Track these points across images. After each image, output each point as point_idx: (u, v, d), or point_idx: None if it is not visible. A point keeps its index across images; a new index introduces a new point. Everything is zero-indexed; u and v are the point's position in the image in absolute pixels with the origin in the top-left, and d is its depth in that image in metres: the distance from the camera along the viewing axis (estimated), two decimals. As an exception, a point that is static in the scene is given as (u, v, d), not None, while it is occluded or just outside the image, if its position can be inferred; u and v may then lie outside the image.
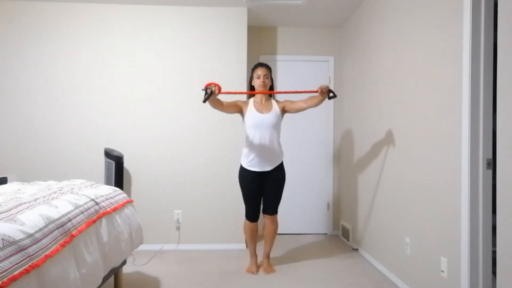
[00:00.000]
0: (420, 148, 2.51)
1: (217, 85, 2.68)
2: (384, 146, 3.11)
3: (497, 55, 1.75)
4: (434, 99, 2.35)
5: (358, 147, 3.73)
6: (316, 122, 4.37)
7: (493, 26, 2.01)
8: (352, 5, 3.71)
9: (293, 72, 4.36)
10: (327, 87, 2.79)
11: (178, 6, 3.78)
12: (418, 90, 2.54)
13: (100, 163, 3.67)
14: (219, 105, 2.86)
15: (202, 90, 2.68)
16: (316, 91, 2.82)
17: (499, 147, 1.72)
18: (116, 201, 2.37)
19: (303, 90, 3.08)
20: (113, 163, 3.32)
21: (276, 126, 2.98)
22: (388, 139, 3.02)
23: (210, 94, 2.62)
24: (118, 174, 3.32)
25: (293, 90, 3.09)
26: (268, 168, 2.99)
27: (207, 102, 2.68)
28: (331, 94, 2.80)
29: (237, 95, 3.20)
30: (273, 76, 3.65)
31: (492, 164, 2.01)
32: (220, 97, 2.90)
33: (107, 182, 3.41)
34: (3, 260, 1.24)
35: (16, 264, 1.28)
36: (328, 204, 4.41)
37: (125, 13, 3.75)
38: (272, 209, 3.07)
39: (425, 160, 2.45)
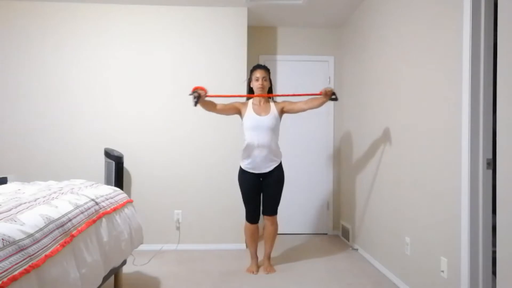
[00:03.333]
0: (420, 148, 2.51)
1: (203, 88, 2.77)
2: (384, 146, 3.11)
3: (497, 55, 1.75)
4: (434, 99, 2.35)
5: (358, 147, 3.73)
6: (316, 122, 4.37)
7: (493, 26, 2.01)
8: (352, 5, 3.71)
9: (293, 72, 4.36)
10: (332, 90, 2.83)
11: (178, 6, 3.78)
12: (418, 90, 2.54)
13: (100, 163, 3.67)
14: (212, 108, 2.94)
15: (189, 95, 2.76)
16: (319, 94, 2.85)
17: (499, 147, 1.72)
18: (116, 201, 2.37)
19: (304, 93, 3.10)
20: (113, 163, 3.32)
21: (275, 129, 2.99)
22: (388, 139, 3.02)
23: (198, 97, 2.71)
24: (118, 174, 3.32)
25: (295, 93, 3.09)
26: (266, 169, 2.99)
27: (199, 106, 2.79)
28: (333, 96, 2.84)
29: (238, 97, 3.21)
30: (273, 76, 3.65)
31: (492, 164, 2.01)
32: (218, 100, 2.92)
33: (107, 182, 3.41)
34: (3, 260, 1.24)
35: (16, 264, 1.28)
36: (328, 204, 4.41)
37: (124, 13, 3.75)
38: (271, 210, 3.08)
39: (425, 160, 2.45)
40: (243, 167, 3.04)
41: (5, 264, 1.24)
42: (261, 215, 3.14)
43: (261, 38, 4.33)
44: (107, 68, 3.75)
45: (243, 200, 3.09)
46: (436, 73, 2.34)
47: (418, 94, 2.54)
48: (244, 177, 3.04)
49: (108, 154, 3.43)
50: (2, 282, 1.17)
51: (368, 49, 3.47)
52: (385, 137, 3.07)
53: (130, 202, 2.59)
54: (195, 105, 2.73)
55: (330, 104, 4.32)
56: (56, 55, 3.71)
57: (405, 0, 2.75)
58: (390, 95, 2.99)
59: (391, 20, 2.99)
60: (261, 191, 3.07)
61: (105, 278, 2.10)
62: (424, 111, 2.47)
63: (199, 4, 3.74)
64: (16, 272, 1.25)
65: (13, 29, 3.67)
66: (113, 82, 3.75)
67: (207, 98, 2.83)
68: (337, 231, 4.39)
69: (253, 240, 3.13)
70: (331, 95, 2.82)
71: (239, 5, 3.75)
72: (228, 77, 3.79)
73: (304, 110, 3.01)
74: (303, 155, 4.37)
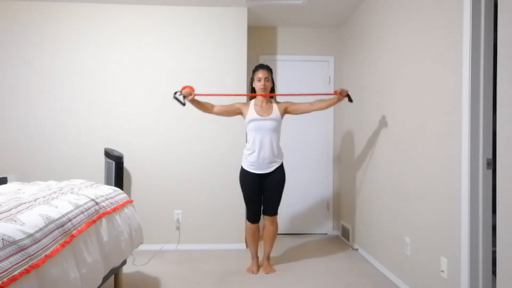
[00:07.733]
0: (420, 148, 2.51)
1: (190, 87, 2.79)
2: (384, 146, 3.11)
3: (497, 55, 1.75)
4: (434, 99, 2.35)
5: (358, 147, 3.73)
6: (316, 122, 4.37)
7: (493, 26, 2.02)
8: (352, 5, 3.71)
9: (293, 72, 4.36)
10: (347, 90, 2.91)
11: (178, 6, 3.78)
12: (418, 90, 2.54)
13: (100, 163, 3.67)
14: (208, 109, 2.99)
15: (173, 97, 2.78)
16: (333, 93, 2.93)
17: (499, 147, 1.72)
18: (116, 201, 2.37)
19: (307, 92, 3.12)
20: (113, 163, 3.32)
21: (276, 129, 2.99)
22: (388, 139, 3.02)
23: (182, 96, 2.75)
24: (118, 174, 3.32)
25: (302, 93, 3.12)
26: (268, 170, 2.99)
27: (192, 107, 2.84)
28: (348, 97, 2.94)
29: (237, 97, 3.24)
30: (273, 76, 3.64)
31: (492, 164, 2.01)
32: (219, 101, 2.93)
33: (107, 182, 3.41)
34: (3, 260, 1.24)
35: (16, 264, 1.28)
36: (328, 204, 4.41)
37: (124, 13, 3.75)
38: (271, 210, 3.08)
39: (425, 160, 2.45)
40: (244, 167, 3.04)
41: (5, 264, 1.24)
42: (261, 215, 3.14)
43: (261, 38, 4.33)
44: (107, 68, 3.74)
45: (244, 200, 3.09)
46: (436, 73, 2.34)
47: (418, 94, 2.54)
48: (246, 177, 3.04)
49: (108, 154, 3.42)
50: (2, 282, 1.17)
51: (368, 49, 3.47)
52: (385, 137, 3.07)
53: (130, 202, 2.59)
54: (183, 105, 2.77)
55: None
56: (55, 55, 3.70)
57: (405, 0, 2.75)
58: (390, 95, 2.99)
59: (391, 20, 2.99)
60: (262, 191, 3.07)
61: (105, 278, 2.10)
62: (424, 111, 2.47)
63: (199, 4, 3.74)
64: (16, 272, 1.25)
65: (13, 30, 3.67)
66: (113, 82, 3.75)
67: (200, 98, 2.84)
68: (337, 231, 4.39)
69: (254, 240, 3.13)
70: (346, 96, 2.89)
71: (239, 5, 3.75)
72: (228, 77, 3.79)
73: (310, 111, 3.03)
74: (303, 155, 4.37)
